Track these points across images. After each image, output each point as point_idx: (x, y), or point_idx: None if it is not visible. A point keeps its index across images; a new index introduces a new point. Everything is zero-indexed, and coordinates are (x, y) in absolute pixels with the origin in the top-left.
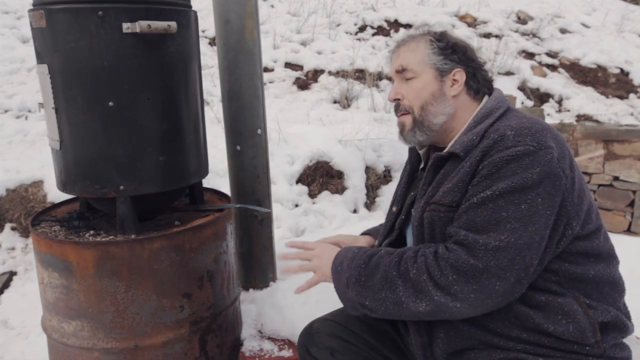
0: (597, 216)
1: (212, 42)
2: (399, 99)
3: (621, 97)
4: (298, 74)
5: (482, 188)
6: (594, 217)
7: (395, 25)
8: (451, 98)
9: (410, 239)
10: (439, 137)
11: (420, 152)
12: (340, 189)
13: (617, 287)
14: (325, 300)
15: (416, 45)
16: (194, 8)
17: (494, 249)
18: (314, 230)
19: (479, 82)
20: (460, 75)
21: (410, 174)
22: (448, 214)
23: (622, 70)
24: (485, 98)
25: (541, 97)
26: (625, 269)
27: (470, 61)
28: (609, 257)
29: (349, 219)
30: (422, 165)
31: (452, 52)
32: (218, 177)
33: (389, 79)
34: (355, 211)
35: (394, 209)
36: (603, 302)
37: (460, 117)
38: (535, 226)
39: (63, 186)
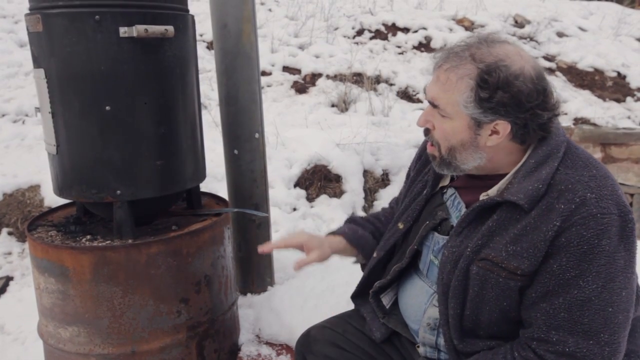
0: None
1: (210, 46)
2: (429, 128)
3: (618, 101)
4: (296, 77)
5: (576, 274)
6: None
7: (393, 28)
8: (486, 147)
9: (426, 280)
10: (479, 172)
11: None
12: (338, 193)
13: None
14: (324, 304)
15: (455, 82)
16: (191, 12)
17: (610, 354)
18: None
19: (529, 132)
20: (503, 127)
21: (428, 196)
22: (508, 282)
23: (619, 73)
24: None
25: None
26: None
27: (523, 111)
28: (637, 289)
29: None
30: (443, 184)
31: (497, 104)
32: (216, 181)
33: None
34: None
35: (400, 226)
36: (632, 341)
37: (502, 158)
38: (632, 306)
39: (59, 191)
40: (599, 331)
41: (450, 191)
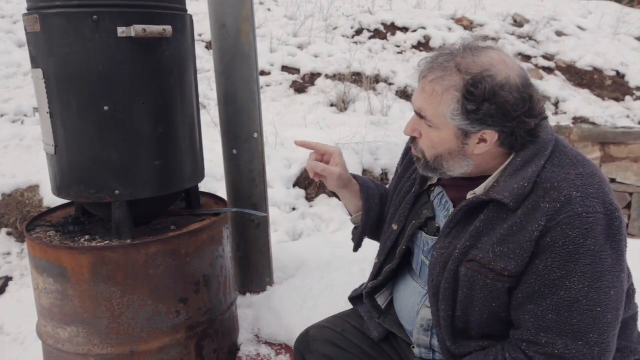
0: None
1: (209, 45)
2: (416, 137)
3: (617, 100)
4: (295, 77)
5: (562, 274)
6: None
7: (392, 28)
8: (473, 155)
9: (418, 280)
10: (465, 176)
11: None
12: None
13: (634, 316)
14: (323, 304)
15: (441, 93)
16: (190, 12)
17: (600, 354)
18: (311, 234)
19: (516, 139)
20: (490, 136)
21: (416, 194)
22: (496, 283)
23: (618, 72)
24: None
25: None
26: None
27: (510, 120)
28: (630, 288)
29: (346, 222)
30: (431, 182)
31: (485, 115)
32: (215, 181)
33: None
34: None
35: (395, 227)
36: (625, 338)
37: (489, 162)
38: (622, 305)
39: (58, 191)
40: (588, 332)
41: (438, 189)
